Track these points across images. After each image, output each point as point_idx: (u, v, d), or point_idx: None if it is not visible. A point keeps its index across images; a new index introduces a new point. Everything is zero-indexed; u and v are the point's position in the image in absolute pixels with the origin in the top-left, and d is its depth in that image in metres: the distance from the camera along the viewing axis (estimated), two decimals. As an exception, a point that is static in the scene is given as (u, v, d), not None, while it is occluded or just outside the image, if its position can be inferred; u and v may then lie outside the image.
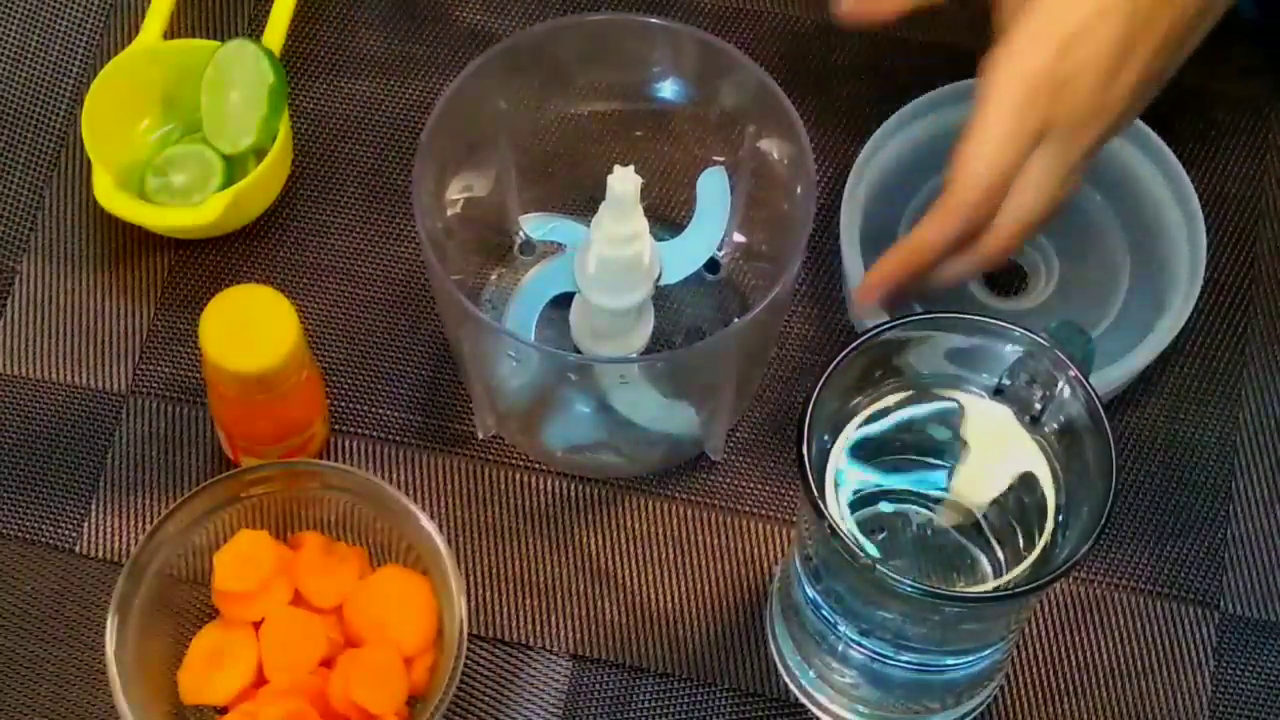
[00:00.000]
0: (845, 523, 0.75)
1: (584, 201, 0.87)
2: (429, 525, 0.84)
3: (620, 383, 0.86)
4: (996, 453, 0.76)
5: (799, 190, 0.82)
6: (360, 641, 0.85)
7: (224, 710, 0.84)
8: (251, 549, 0.85)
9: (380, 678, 0.83)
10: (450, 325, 0.88)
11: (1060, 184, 0.81)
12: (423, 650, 0.84)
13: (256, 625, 0.85)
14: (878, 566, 0.72)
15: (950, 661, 0.81)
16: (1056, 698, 0.88)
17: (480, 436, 0.92)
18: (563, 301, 0.89)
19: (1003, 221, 0.81)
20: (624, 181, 0.79)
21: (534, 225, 0.92)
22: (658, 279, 0.85)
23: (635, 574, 0.90)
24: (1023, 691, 0.88)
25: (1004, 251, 0.83)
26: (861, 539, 0.75)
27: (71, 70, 1.02)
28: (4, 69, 1.02)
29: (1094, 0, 0.79)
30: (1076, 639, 0.89)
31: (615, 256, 0.82)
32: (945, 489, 0.78)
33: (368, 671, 0.83)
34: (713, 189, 0.87)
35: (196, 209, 0.93)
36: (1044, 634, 0.89)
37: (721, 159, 0.88)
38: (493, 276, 0.93)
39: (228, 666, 0.84)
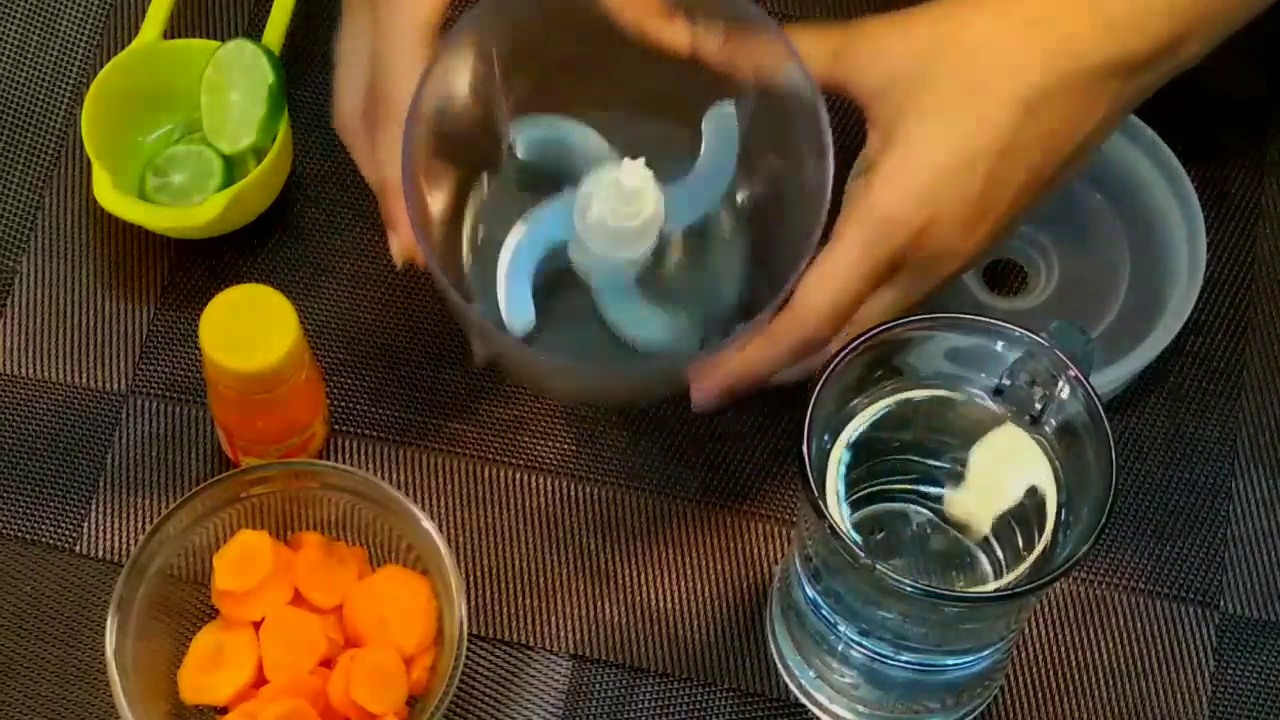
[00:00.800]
0: (845, 523, 0.75)
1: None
2: (429, 525, 0.84)
3: (616, 289, 0.82)
4: (1008, 458, 0.76)
5: (812, 165, 0.78)
6: (360, 641, 0.85)
7: (224, 710, 0.84)
8: (251, 549, 0.85)
9: (380, 678, 0.83)
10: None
11: (904, 315, 0.78)
12: (423, 650, 0.84)
13: (256, 625, 0.85)
14: (878, 566, 0.72)
15: (950, 662, 0.81)
16: (1056, 698, 0.88)
17: (476, 363, 0.86)
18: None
19: (839, 345, 0.78)
20: (634, 177, 0.78)
21: (528, 130, 0.85)
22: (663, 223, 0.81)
23: (635, 574, 0.90)
24: (1023, 691, 0.88)
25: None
26: (855, 537, 0.75)
27: (71, 70, 1.02)
28: (4, 69, 1.02)
29: (960, 148, 0.76)
30: (1076, 639, 0.89)
31: (621, 226, 0.80)
32: (944, 489, 0.78)
33: (368, 671, 0.83)
34: (720, 128, 0.82)
35: (196, 209, 0.93)
36: (1044, 634, 0.89)
37: (730, 96, 0.83)
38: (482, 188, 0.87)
39: (228, 666, 0.84)
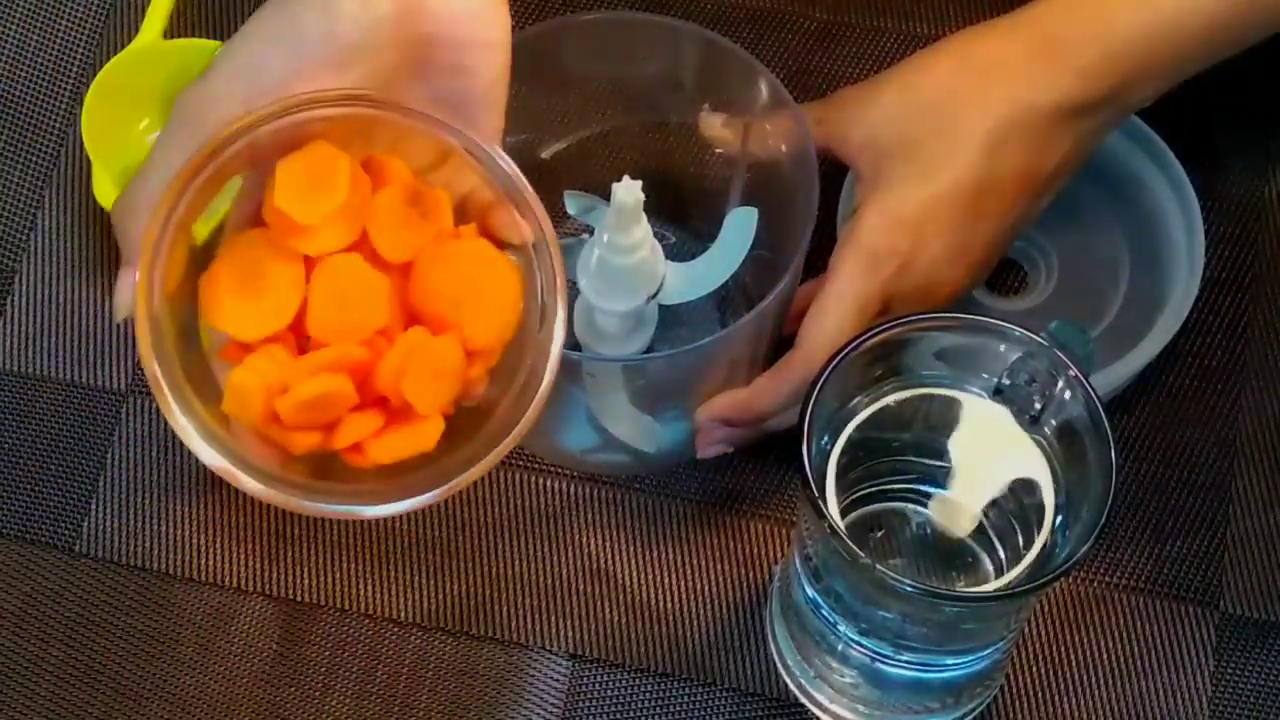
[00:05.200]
0: (844, 523, 0.75)
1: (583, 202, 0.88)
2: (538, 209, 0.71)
3: (589, 377, 0.86)
4: (994, 454, 0.76)
5: (801, 190, 0.82)
6: (420, 319, 0.70)
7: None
8: (327, 166, 0.68)
9: (442, 374, 0.69)
10: None
11: None
12: (492, 349, 0.71)
13: (308, 262, 0.69)
14: (878, 566, 0.72)
15: (950, 661, 0.81)
16: (1056, 698, 0.88)
17: None
18: None
19: None
20: (629, 193, 0.79)
21: (574, 201, 0.90)
22: (655, 294, 0.84)
23: (635, 574, 0.90)
24: (1023, 691, 0.88)
25: None
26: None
27: (71, 70, 1.02)
28: (4, 69, 1.02)
29: (936, 184, 0.82)
30: (1076, 639, 0.89)
31: (616, 263, 0.82)
32: (945, 489, 0.78)
33: (429, 364, 0.69)
34: (738, 226, 0.87)
35: (196, 209, 0.93)
36: (1044, 634, 0.89)
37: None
38: None
39: (263, 299, 0.68)
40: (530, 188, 0.71)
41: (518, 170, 0.71)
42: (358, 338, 0.68)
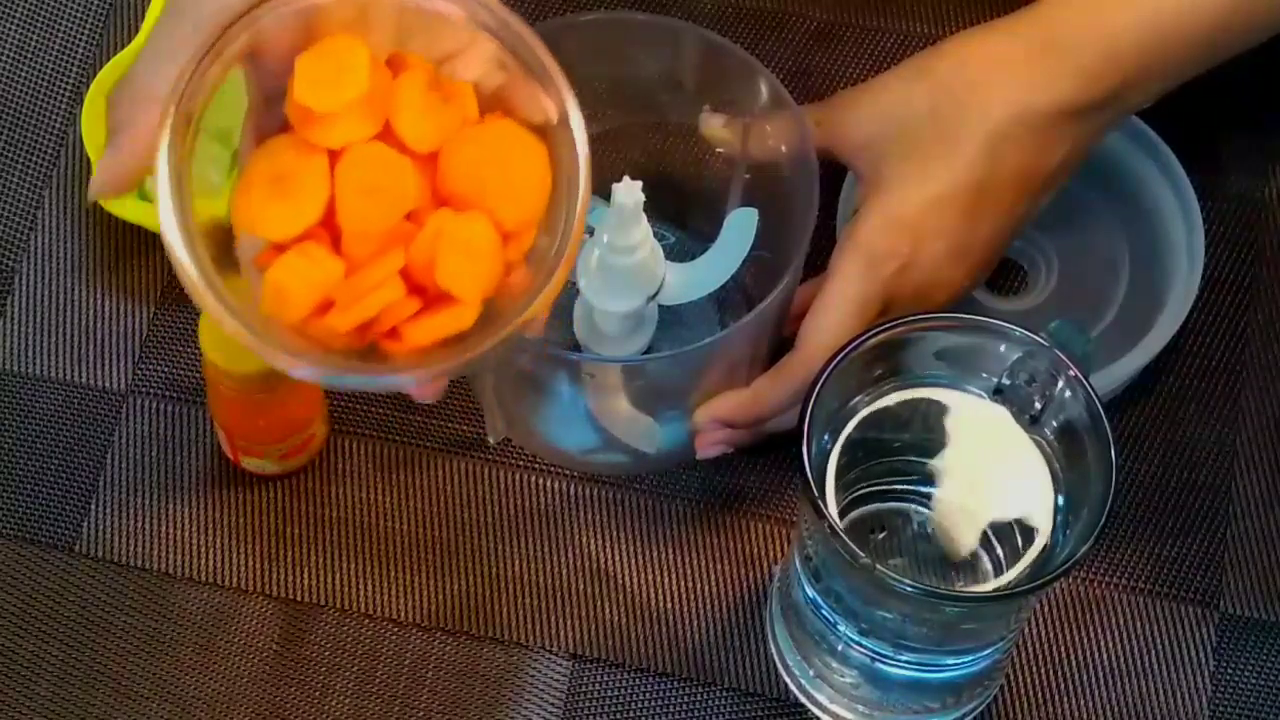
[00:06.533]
0: (844, 523, 0.75)
1: None
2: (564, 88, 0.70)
3: (589, 377, 0.86)
4: (994, 456, 0.76)
5: (801, 190, 0.82)
6: (450, 202, 0.69)
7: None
8: (344, 58, 0.68)
9: (469, 252, 0.68)
10: None
11: None
12: (524, 229, 0.70)
13: (332, 155, 0.69)
14: (878, 566, 0.72)
15: (950, 661, 0.81)
16: (1056, 698, 0.88)
17: (491, 442, 0.92)
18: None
19: None
20: (629, 193, 0.79)
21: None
22: (655, 294, 0.84)
23: (635, 574, 0.90)
24: (1023, 691, 0.88)
25: None
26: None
27: (71, 70, 1.02)
28: (4, 69, 1.02)
29: (935, 186, 0.82)
30: (1076, 639, 0.89)
31: (617, 264, 0.82)
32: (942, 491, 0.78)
33: (460, 245, 0.68)
34: (739, 227, 0.87)
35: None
36: (1044, 634, 0.89)
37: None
38: None
39: (292, 198, 0.68)
40: (550, 55, 0.70)
41: (536, 37, 0.70)
42: (388, 223, 0.68)
